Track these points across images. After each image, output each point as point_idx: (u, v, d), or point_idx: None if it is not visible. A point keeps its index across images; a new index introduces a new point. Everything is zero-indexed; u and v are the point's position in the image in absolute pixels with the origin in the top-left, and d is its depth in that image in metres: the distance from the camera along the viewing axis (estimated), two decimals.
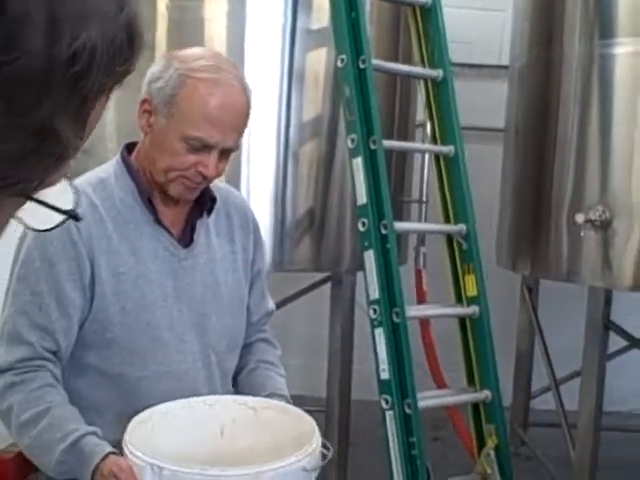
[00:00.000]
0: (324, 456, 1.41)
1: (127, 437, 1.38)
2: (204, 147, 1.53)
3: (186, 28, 3.03)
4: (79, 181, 1.57)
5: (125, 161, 1.62)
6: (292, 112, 3.08)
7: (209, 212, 1.68)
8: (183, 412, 1.53)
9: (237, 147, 1.59)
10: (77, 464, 1.42)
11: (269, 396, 1.68)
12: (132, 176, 1.60)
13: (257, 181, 3.06)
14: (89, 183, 1.58)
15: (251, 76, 3.00)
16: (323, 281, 3.57)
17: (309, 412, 1.53)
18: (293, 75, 3.07)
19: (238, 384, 1.78)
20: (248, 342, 1.82)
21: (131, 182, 1.60)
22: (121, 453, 1.39)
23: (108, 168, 1.63)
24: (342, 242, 3.17)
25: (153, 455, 1.32)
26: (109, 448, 1.42)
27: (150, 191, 1.60)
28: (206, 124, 1.51)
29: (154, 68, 1.57)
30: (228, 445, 1.54)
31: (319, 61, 3.12)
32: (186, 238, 1.65)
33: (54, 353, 1.53)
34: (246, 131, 2.96)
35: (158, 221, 1.61)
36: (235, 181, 3.01)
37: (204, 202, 1.67)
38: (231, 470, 1.32)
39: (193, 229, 1.66)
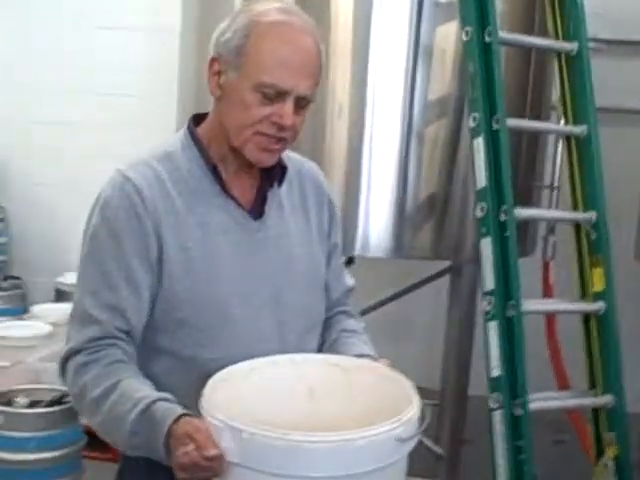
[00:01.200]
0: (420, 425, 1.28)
1: (205, 396, 1.30)
2: (278, 95, 1.44)
3: (311, 2, 2.95)
4: (146, 154, 1.53)
5: (191, 132, 1.56)
6: (417, 90, 2.95)
7: (280, 182, 1.59)
8: (267, 370, 1.44)
9: (313, 98, 1.48)
10: (150, 432, 1.33)
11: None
12: (199, 147, 1.54)
13: (378, 162, 2.96)
14: (154, 156, 1.52)
15: (377, 52, 2.97)
16: (443, 271, 3.41)
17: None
18: (419, 51, 2.94)
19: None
20: (327, 316, 1.70)
21: (198, 153, 1.53)
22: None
23: (174, 141, 1.57)
24: (464, 229, 3.01)
25: (232, 416, 1.23)
26: (182, 410, 1.33)
27: (217, 161, 1.53)
28: (278, 68, 1.43)
29: (220, 25, 1.50)
30: (315, 408, 1.44)
31: (447, 36, 2.96)
32: (257, 210, 1.56)
33: (126, 333, 1.47)
34: (369, 108, 2.99)
35: (227, 192, 1.53)
36: (356, 161, 2.93)
37: (274, 171, 1.58)
38: (316, 436, 1.20)
39: (264, 200, 1.57)
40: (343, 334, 1.68)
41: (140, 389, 1.40)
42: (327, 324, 1.70)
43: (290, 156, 1.64)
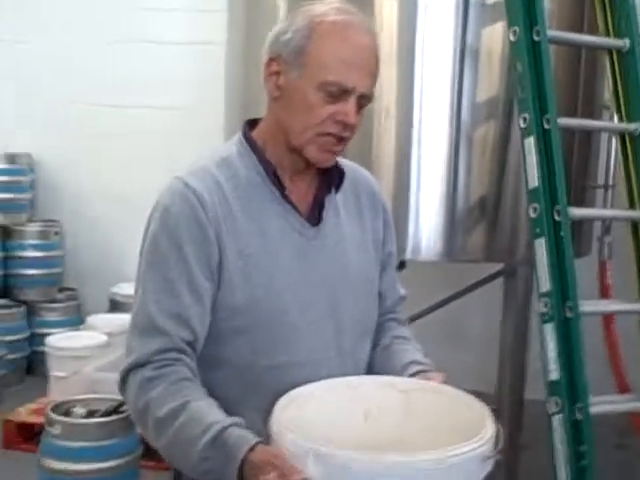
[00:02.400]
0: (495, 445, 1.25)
1: (277, 420, 1.28)
2: (342, 94, 1.44)
3: (355, 4, 2.94)
4: (202, 161, 1.53)
5: (247, 138, 1.55)
6: (465, 92, 2.91)
7: (337, 187, 1.58)
8: (326, 395, 1.42)
9: (372, 97, 1.48)
10: (222, 458, 1.31)
11: (408, 365, 1.57)
12: (256, 152, 1.53)
13: (428, 165, 2.93)
14: (212, 163, 1.51)
15: (423, 55, 2.95)
16: (496, 274, 3.36)
17: None
18: (466, 52, 2.90)
19: (372, 361, 1.65)
20: (379, 322, 1.69)
21: (255, 158, 1.52)
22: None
23: (229, 147, 1.56)
24: (516, 231, 2.96)
25: (315, 440, 1.21)
26: (255, 438, 1.32)
27: (275, 166, 1.52)
28: (342, 67, 1.43)
29: (278, 26, 1.50)
30: (373, 430, 1.42)
31: (494, 37, 2.92)
32: (314, 216, 1.55)
33: (190, 343, 1.45)
34: (416, 110, 2.97)
35: (285, 198, 1.51)
36: (405, 164, 2.90)
37: (332, 177, 1.57)
38: (414, 456, 1.18)
39: (321, 206, 1.56)
40: (395, 340, 1.68)
41: (210, 413, 1.37)
42: (379, 329, 1.69)
43: (346, 163, 1.63)
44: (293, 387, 1.44)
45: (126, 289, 4.47)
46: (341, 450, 1.18)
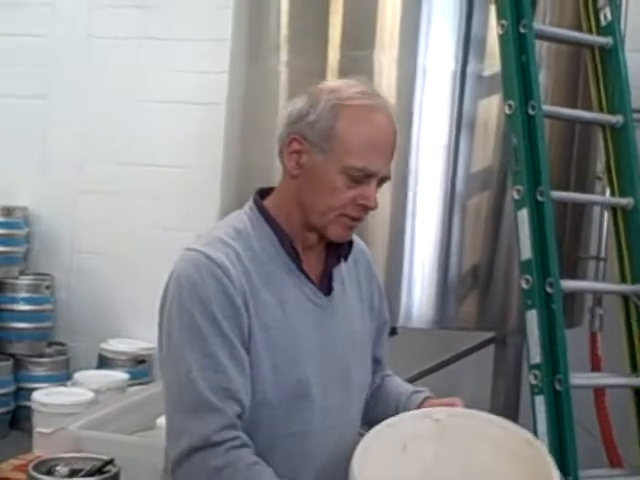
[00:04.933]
0: None
1: None
2: (365, 177, 1.45)
3: (355, 68, 2.99)
4: (216, 232, 1.52)
5: (260, 208, 1.54)
6: (460, 161, 2.95)
7: (346, 257, 1.59)
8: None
9: (390, 177, 1.51)
10: None
11: (414, 394, 1.64)
12: (270, 224, 1.52)
13: (422, 232, 2.95)
14: (228, 234, 1.50)
15: (420, 124, 3.00)
16: (487, 342, 3.36)
17: None
18: (462, 123, 2.95)
19: (368, 403, 1.67)
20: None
21: (270, 230, 1.52)
22: None
23: (241, 217, 1.55)
24: (508, 300, 2.98)
25: None
26: None
27: (292, 238, 1.52)
28: (368, 152, 1.45)
29: (297, 105, 1.50)
30: (413, 462, 1.42)
31: (490, 109, 2.98)
32: (325, 286, 1.56)
33: (239, 416, 1.43)
34: (411, 179, 2.99)
35: (301, 270, 1.52)
36: (399, 232, 2.92)
37: (341, 247, 1.58)
38: None
39: (330, 276, 1.57)
40: (386, 377, 1.74)
41: None
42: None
43: None
44: (307, 455, 1.47)
45: (115, 345, 4.45)
46: None
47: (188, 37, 4.49)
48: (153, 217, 4.49)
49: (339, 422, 1.54)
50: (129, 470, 2.42)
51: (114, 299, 4.66)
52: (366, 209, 1.47)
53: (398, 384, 1.74)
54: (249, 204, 1.56)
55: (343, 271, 1.60)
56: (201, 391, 1.39)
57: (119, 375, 4.08)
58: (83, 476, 2.69)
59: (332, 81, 1.56)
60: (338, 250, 1.57)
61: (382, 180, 1.49)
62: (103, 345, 4.49)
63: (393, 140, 1.49)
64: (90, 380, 3.85)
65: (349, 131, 1.44)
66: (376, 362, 1.70)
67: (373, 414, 1.66)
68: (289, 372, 1.46)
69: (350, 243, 1.58)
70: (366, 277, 1.66)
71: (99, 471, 2.70)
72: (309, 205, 1.49)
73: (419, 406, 1.60)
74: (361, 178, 1.45)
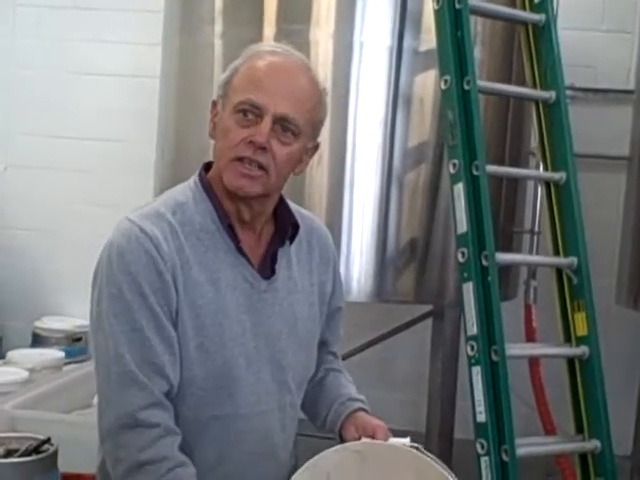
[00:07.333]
0: None
1: None
2: (256, 115, 1.42)
3: (291, 42, 2.97)
4: (156, 204, 1.49)
5: (203, 183, 1.52)
6: (396, 136, 2.97)
7: (291, 240, 1.57)
8: None
9: (299, 124, 1.45)
10: None
11: (348, 401, 1.62)
12: (211, 199, 1.50)
13: (359, 207, 2.97)
14: (167, 207, 1.48)
15: (357, 99, 3.00)
16: (425, 315, 3.41)
17: None
18: (399, 98, 2.97)
19: (308, 394, 1.66)
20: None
21: (210, 206, 1.49)
22: None
23: (184, 190, 1.53)
24: (445, 274, 3.02)
25: None
26: None
27: (230, 216, 1.50)
28: (252, 86, 1.43)
29: None
30: None
31: (426, 84, 3.00)
32: (266, 268, 1.53)
33: (166, 394, 1.42)
34: (348, 155, 3.00)
35: (239, 249, 1.49)
36: (337, 207, 2.93)
37: (285, 228, 1.56)
38: None
39: (274, 258, 1.54)
40: (330, 372, 1.72)
41: None
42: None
43: (302, 212, 1.64)
44: (236, 438, 1.46)
45: (50, 323, 4.37)
46: None
47: (119, 7, 4.38)
48: (87, 192, 4.38)
49: (271, 406, 1.53)
50: (66, 449, 2.38)
51: (47, 276, 4.56)
52: (257, 148, 1.42)
53: (339, 384, 1.70)
54: (194, 177, 1.54)
55: (292, 253, 1.58)
56: (128, 365, 1.39)
57: (54, 353, 4.00)
58: (19, 456, 2.65)
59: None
60: (283, 232, 1.56)
61: (284, 123, 1.43)
62: (37, 323, 4.40)
63: (290, 81, 1.46)
64: (24, 359, 3.76)
65: (241, 75, 1.46)
66: (322, 344, 1.68)
67: (311, 410, 1.68)
68: (215, 352, 1.44)
69: (295, 226, 1.57)
70: (321, 261, 1.64)
71: (35, 450, 2.65)
72: (215, 158, 1.48)
73: (347, 418, 1.59)
74: (250, 113, 1.42)
